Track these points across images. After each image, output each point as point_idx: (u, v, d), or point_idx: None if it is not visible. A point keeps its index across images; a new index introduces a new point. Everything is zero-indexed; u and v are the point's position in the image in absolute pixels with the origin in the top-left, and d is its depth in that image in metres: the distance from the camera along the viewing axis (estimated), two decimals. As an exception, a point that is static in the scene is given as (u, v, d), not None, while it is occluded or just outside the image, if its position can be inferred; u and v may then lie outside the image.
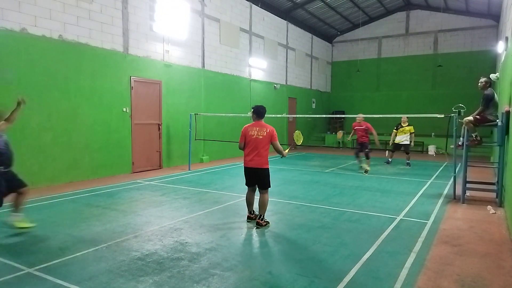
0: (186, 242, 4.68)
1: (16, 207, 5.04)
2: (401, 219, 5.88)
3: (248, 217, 5.67)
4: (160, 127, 11.05)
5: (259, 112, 5.54)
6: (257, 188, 5.54)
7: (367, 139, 10.82)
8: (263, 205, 5.40)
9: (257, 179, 5.47)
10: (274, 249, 4.54)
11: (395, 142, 12.33)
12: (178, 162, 11.64)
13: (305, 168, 11.80)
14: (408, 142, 12.11)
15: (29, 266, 3.89)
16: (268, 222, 5.46)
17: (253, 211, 5.69)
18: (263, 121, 5.57)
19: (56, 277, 3.64)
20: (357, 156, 11.11)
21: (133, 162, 10.22)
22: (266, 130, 5.38)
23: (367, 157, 10.80)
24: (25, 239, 4.74)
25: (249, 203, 5.64)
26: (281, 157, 5.76)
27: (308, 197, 7.41)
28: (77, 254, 4.24)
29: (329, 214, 6.15)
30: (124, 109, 9.90)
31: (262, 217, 5.39)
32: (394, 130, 12.43)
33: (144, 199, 7.14)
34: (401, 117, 12.09)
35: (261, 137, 5.35)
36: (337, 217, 5.93)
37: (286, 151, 5.88)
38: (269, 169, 5.57)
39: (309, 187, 8.54)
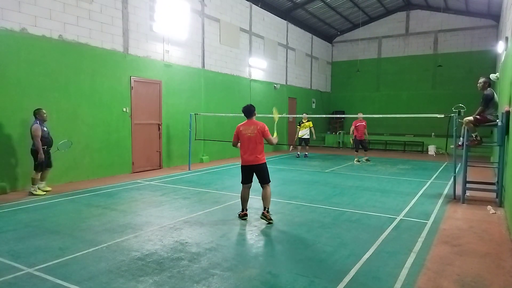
0: (186, 242, 4.68)
1: (42, 179, 7.51)
2: (401, 219, 5.88)
3: (244, 215, 5.75)
4: (160, 127, 11.05)
5: (246, 111, 5.81)
6: (260, 184, 5.70)
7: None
8: (266, 197, 5.58)
9: (257, 175, 5.69)
10: (274, 249, 4.54)
11: (299, 136, 14.43)
12: (178, 162, 11.63)
13: (305, 168, 11.79)
14: (308, 136, 14.28)
15: (29, 266, 3.88)
16: (272, 219, 5.54)
17: (247, 208, 5.84)
18: (254, 118, 5.82)
19: (56, 277, 3.64)
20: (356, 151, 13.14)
21: (133, 162, 10.22)
22: (257, 127, 5.62)
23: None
24: (25, 239, 4.74)
25: (244, 200, 5.76)
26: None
27: (308, 197, 7.40)
28: (77, 254, 4.24)
29: (329, 214, 6.15)
30: (124, 109, 9.90)
31: (267, 209, 5.55)
32: (297, 126, 14.64)
33: (144, 199, 7.13)
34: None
35: (253, 134, 5.60)
36: (337, 217, 5.93)
37: (275, 136, 5.92)
38: (269, 168, 5.76)
39: (309, 187, 8.54)
